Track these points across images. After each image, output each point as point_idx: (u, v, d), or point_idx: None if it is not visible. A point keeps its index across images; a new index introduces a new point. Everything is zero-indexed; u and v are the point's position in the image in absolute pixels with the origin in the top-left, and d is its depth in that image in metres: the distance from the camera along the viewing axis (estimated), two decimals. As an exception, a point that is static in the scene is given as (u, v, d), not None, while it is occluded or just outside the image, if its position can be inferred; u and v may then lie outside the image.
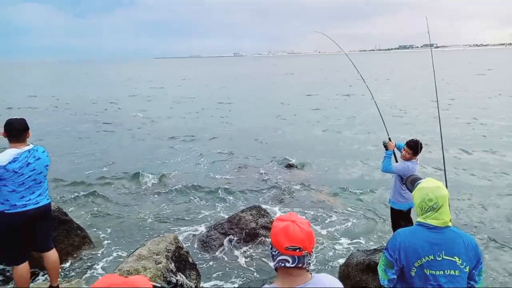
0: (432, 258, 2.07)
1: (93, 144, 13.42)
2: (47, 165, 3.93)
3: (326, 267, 5.58)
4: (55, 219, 5.35)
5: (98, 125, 17.42)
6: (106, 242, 6.32)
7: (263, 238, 6.20)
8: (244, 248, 6.06)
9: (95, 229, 6.73)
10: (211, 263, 5.72)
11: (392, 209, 5.15)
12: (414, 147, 4.70)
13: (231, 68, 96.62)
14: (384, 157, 4.93)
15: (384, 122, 5.63)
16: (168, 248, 4.50)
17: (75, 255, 5.67)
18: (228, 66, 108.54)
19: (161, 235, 5.20)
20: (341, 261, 5.55)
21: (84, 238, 5.99)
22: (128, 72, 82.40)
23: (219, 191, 8.64)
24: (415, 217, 2.31)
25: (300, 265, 1.57)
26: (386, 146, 5.05)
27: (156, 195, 8.41)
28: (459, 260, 2.06)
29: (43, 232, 4.03)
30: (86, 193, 8.55)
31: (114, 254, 5.93)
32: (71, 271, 5.39)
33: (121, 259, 5.28)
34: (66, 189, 8.89)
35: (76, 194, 8.49)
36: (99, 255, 5.89)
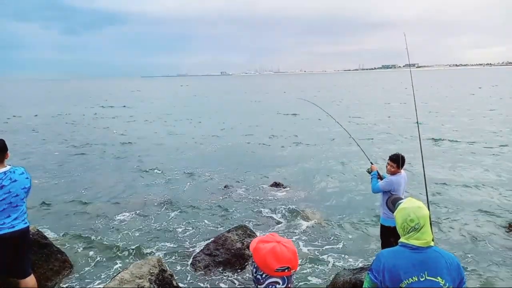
0: (416, 279, 2.07)
1: (71, 166, 13.08)
2: (25, 188, 3.82)
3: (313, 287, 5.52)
4: (35, 242, 5.19)
5: (74, 146, 16.99)
6: (87, 266, 6.14)
7: (250, 259, 6.11)
8: (230, 270, 5.95)
9: (75, 253, 6.53)
10: (196, 286, 5.59)
11: (382, 226, 5.18)
12: (396, 160, 4.93)
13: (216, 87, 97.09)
14: (371, 179, 5.18)
15: (363, 150, 5.89)
16: (151, 271, 4.40)
17: (55, 281, 5.47)
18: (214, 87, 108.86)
19: (144, 258, 5.09)
20: (328, 280, 5.51)
21: (65, 262, 5.80)
22: (112, 90, 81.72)
23: (204, 211, 8.54)
24: None
25: (289, 285, 1.57)
26: (369, 171, 5.39)
27: (138, 217, 8.23)
28: (442, 281, 2.06)
29: (20, 257, 3.88)
30: (67, 215, 8.36)
31: (96, 279, 5.75)
32: (50, 298, 5.19)
33: (103, 284, 5.12)
34: (47, 211, 8.66)
35: (56, 216, 8.27)
36: (80, 279, 5.70)
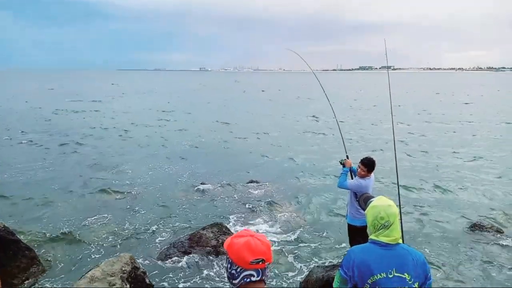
0: (384, 275, 2.13)
1: (41, 159, 12.72)
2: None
3: (287, 284, 5.58)
4: (1, 239, 5.02)
5: (45, 138, 16.52)
6: (57, 262, 5.98)
7: (225, 256, 6.11)
8: (205, 267, 5.94)
9: (45, 249, 6.35)
10: (169, 284, 5.54)
11: (349, 225, 5.26)
12: (367, 164, 4.90)
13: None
14: (341, 173, 5.16)
15: (343, 141, 5.87)
16: (123, 269, 4.34)
17: (21, 278, 5.30)
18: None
19: (116, 255, 5.00)
20: (301, 277, 5.59)
21: (33, 259, 5.63)
22: (85, 83, 79.31)
23: (179, 209, 8.47)
24: None
25: (263, 278, 1.59)
26: (343, 164, 5.28)
27: (111, 213, 8.07)
28: (408, 277, 2.13)
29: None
30: (35, 212, 8.10)
31: (65, 276, 5.61)
32: (16, 296, 5.03)
33: (73, 281, 5.00)
34: (14, 206, 8.36)
35: (24, 213, 8.00)
36: (48, 277, 5.55)
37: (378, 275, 2.13)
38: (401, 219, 2.36)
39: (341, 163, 5.32)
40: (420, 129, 19.79)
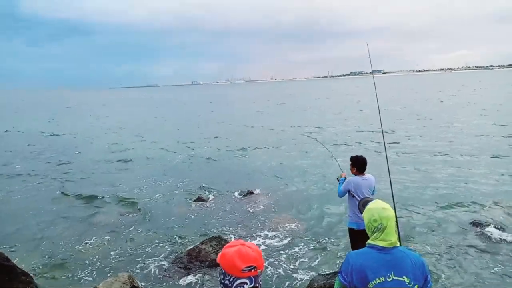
0: (383, 279, 2.11)
1: (30, 181, 12.58)
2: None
3: (289, 294, 5.52)
4: (-5, 265, 4.92)
5: (34, 161, 16.33)
6: (54, 286, 5.86)
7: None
8: (206, 282, 5.85)
9: (42, 273, 6.25)
10: (170, 300, 5.46)
11: (349, 229, 5.27)
12: (353, 160, 5.08)
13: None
14: (339, 185, 5.26)
15: (335, 159, 5.95)
16: (122, 288, 4.27)
17: (18, 304, 5.19)
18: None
19: (114, 274, 4.92)
20: (303, 286, 5.53)
21: (30, 284, 5.51)
22: (77, 102, 79.12)
23: (176, 224, 8.38)
24: None
25: (257, 285, 1.58)
26: (339, 179, 5.50)
27: (107, 232, 7.96)
28: (408, 280, 2.12)
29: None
30: (31, 233, 7.98)
31: (64, 300, 5.51)
32: (13, 323, 4.91)
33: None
34: (7, 232, 8.23)
35: (19, 236, 7.88)
36: (46, 301, 5.44)
37: (377, 279, 2.11)
38: (397, 222, 2.35)
39: (338, 179, 5.51)
40: (414, 131, 19.91)
